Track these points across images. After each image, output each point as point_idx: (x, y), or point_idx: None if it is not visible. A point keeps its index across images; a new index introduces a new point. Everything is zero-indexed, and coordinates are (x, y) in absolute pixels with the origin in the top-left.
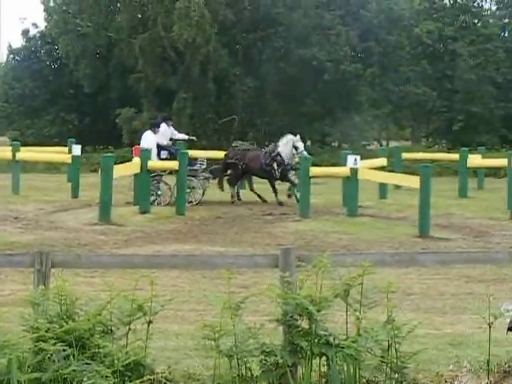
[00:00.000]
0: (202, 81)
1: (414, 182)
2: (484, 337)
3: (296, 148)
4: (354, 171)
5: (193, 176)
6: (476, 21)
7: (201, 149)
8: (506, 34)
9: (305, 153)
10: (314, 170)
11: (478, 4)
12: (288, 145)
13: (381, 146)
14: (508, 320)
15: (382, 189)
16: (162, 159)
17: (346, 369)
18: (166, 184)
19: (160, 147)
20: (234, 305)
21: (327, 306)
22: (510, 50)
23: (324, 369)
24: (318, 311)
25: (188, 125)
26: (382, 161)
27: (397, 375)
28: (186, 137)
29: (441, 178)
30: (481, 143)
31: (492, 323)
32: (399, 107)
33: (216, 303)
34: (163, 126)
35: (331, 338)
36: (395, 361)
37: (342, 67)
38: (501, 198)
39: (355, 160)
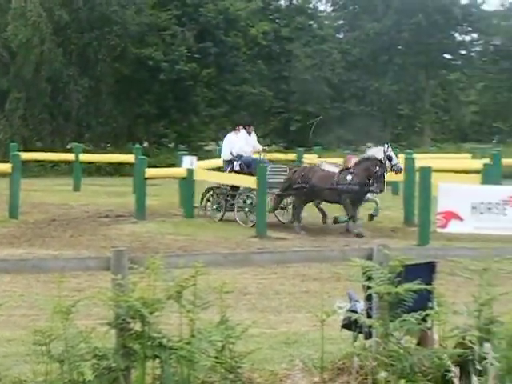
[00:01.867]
0: (35, 81)
1: (251, 182)
2: (319, 334)
3: (390, 159)
4: (190, 172)
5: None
6: (311, 22)
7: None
8: (341, 36)
9: (400, 165)
10: (149, 172)
11: (314, 5)
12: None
13: (218, 146)
14: (341, 317)
15: None
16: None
17: (179, 371)
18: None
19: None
20: (65, 308)
21: (160, 308)
22: (345, 51)
23: (158, 371)
24: (151, 313)
25: (21, 126)
26: (219, 161)
27: (231, 375)
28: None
29: None
30: (317, 143)
31: (324, 321)
32: (236, 107)
33: (47, 307)
34: (243, 131)
35: (164, 340)
36: (229, 361)
37: (177, 67)
38: None
39: (191, 161)
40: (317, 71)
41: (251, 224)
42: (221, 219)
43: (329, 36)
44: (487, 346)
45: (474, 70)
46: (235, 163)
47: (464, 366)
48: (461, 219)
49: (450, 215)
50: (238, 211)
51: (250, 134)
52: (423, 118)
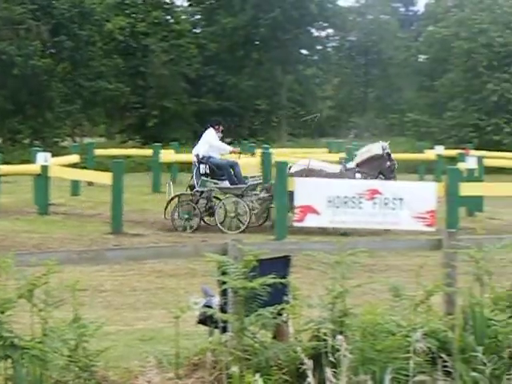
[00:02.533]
0: None
1: (106, 178)
2: (175, 331)
3: (389, 156)
4: (45, 169)
5: (238, 195)
6: (168, 17)
7: None
8: (198, 31)
9: (395, 162)
10: (3, 168)
11: (170, 0)
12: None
13: (74, 142)
14: (197, 313)
15: (75, 186)
16: (203, 175)
17: (32, 370)
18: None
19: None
20: None
21: (11, 307)
22: (202, 46)
23: (10, 371)
24: (2, 313)
25: None
26: (75, 158)
27: (85, 374)
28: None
29: (135, 174)
30: (175, 138)
31: (179, 317)
32: (92, 103)
33: None
34: (211, 131)
35: (16, 340)
36: (83, 359)
37: (31, 62)
38: None
39: (46, 157)
40: (174, 66)
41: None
42: (197, 228)
43: (185, 31)
44: (340, 338)
45: (330, 65)
46: (201, 166)
47: (318, 358)
48: (317, 213)
49: (307, 209)
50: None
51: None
52: (280, 113)
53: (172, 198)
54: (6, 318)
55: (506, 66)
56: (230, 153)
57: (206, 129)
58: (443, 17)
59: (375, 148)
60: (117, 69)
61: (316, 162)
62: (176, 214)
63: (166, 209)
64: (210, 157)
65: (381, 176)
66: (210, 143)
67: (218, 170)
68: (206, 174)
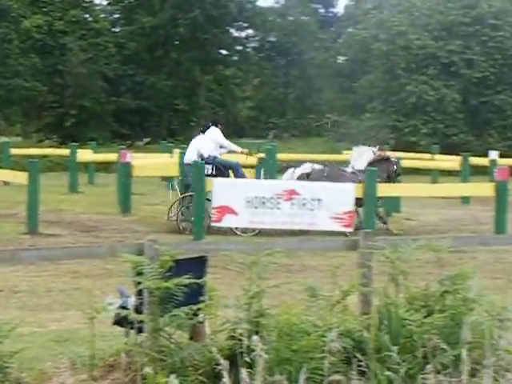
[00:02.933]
0: None
1: (22, 177)
2: (90, 332)
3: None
4: None
5: None
6: (87, 15)
7: None
8: (117, 30)
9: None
10: None
11: None
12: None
13: None
14: (112, 314)
15: None
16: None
17: None
18: None
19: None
20: None
21: None
22: (121, 45)
23: None
24: None
25: None
26: None
27: None
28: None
29: (52, 174)
30: (93, 138)
31: (95, 318)
32: (8, 101)
33: None
34: (216, 130)
35: None
36: None
37: None
38: (111, 192)
39: None
40: (92, 65)
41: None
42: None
43: (104, 30)
44: (255, 338)
45: (249, 65)
46: (207, 166)
47: (234, 358)
48: (235, 214)
49: (225, 210)
50: None
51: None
52: (199, 113)
53: (179, 199)
54: None
55: (424, 68)
56: (240, 153)
57: (206, 127)
58: (362, 19)
59: (367, 151)
60: (34, 67)
61: (318, 166)
62: (180, 215)
63: (169, 210)
64: (215, 157)
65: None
66: (220, 142)
67: (225, 170)
68: (211, 175)
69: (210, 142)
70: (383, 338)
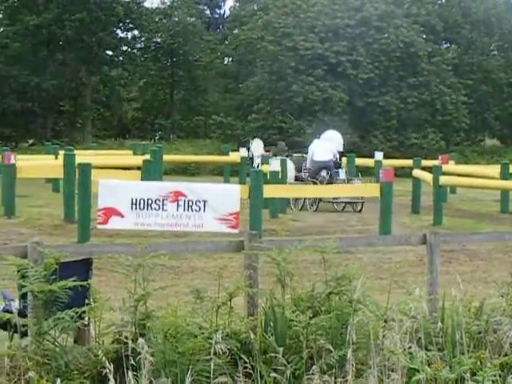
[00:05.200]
0: None
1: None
2: None
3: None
4: None
5: None
6: None
7: None
8: (1, 30)
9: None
10: None
11: None
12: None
13: None
14: None
15: None
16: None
17: None
18: None
19: None
20: None
21: None
22: (4, 46)
23: None
24: None
25: None
26: None
27: None
28: None
29: None
30: None
31: None
32: None
33: None
34: None
35: None
36: None
37: None
38: None
39: None
40: None
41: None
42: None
43: None
44: (141, 340)
45: (135, 66)
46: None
47: (120, 361)
48: (121, 215)
49: (111, 211)
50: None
51: None
52: (85, 114)
53: None
54: None
55: (311, 69)
56: None
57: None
58: (248, 20)
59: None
60: None
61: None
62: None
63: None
64: None
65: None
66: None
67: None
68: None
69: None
70: (269, 339)
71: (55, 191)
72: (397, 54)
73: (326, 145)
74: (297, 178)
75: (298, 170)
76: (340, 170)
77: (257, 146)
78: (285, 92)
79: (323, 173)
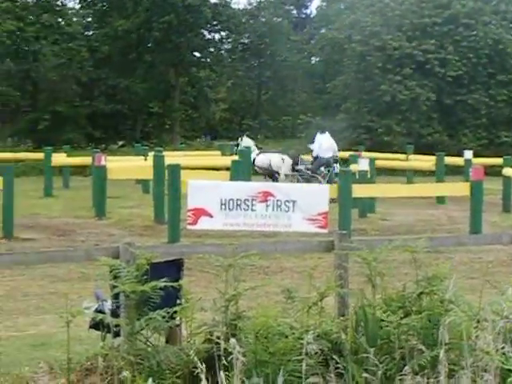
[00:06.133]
0: None
1: None
2: (67, 336)
3: None
4: None
5: None
6: (60, 19)
7: None
8: (90, 33)
9: None
10: None
11: (62, 2)
12: None
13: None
14: (89, 318)
15: None
16: None
17: None
18: None
19: None
20: None
21: None
22: (94, 49)
23: None
24: None
25: None
26: None
27: None
28: None
29: (27, 178)
30: (67, 141)
31: (71, 321)
32: None
33: None
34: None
35: None
36: None
37: None
38: (87, 196)
39: None
40: (65, 69)
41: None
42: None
43: (77, 33)
44: (233, 340)
45: (223, 67)
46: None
47: (211, 361)
48: (211, 216)
49: (200, 212)
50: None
51: None
52: (173, 116)
53: None
54: None
55: (399, 68)
56: None
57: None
58: (335, 19)
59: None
60: (7, 72)
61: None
62: None
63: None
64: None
65: None
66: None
67: None
68: None
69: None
70: (360, 339)
71: (145, 192)
72: (485, 51)
73: (331, 141)
74: (294, 170)
75: (295, 163)
76: (336, 165)
77: (247, 143)
78: (372, 91)
79: (322, 168)
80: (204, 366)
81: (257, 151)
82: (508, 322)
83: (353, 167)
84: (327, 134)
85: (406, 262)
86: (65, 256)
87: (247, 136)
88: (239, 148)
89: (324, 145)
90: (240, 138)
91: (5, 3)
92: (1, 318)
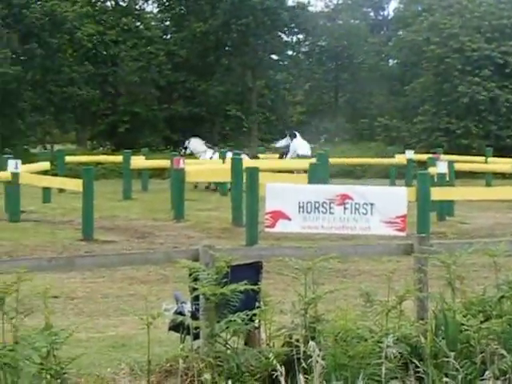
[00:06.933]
0: None
1: (76, 185)
2: (147, 337)
3: None
4: (15, 176)
5: None
6: (138, 23)
7: None
8: (168, 37)
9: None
10: None
11: (140, 6)
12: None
13: (45, 149)
14: (168, 320)
15: (46, 193)
16: None
17: (3, 378)
18: None
19: None
20: None
21: None
22: (172, 53)
23: None
24: None
25: None
26: (45, 165)
27: (57, 381)
28: None
29: (106, 181)
30: (145, 144)
31: (151, 323)
32: (62, 109)
33: None
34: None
35: None
36: (55, 367)
37: (1, 70)
38: (165, 198)
39: (16, 164)
40: (144, 73)
41: None
42: None
43: (155, 37)
44: (312, 344)
45: (300, 70)
46: None
47: (290, 364)
48: (288, 219)
49: (278, 215)
50: None
51: None
52: (251, 119)
53: None
54: None
55: (477, 69)
56: None
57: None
58: (413, 21)
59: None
60: (87, 75)
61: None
62: None
63: None
64: None
65: None
66: None
67: None
68: None
69: None
70: (440, 343)
71: (223, 195)
72: None
73: (305, 142)
74: None
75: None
76: None
77: (197, 144)
78: (451, 93)
79: None
80: (283, 368)
81: (210, 153)
82: None
83: (431, 170)
84: (299, 137)
85: (485, 266)
86: (145, 258)
87: (197, 136)
88: (187, 151)
89: (300, 147)
90: (188, 140)
91: (85, 8)
92: (81, 319)
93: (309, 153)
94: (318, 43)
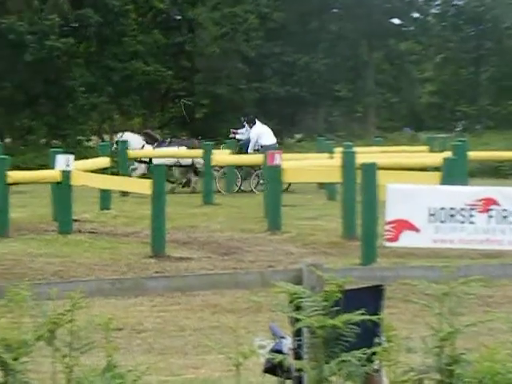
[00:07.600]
0: None
1: (144, 186)
2: (235, 382)
3: None
4: (66, 175)
5: None
6: None
7: None
8: None
9: None
10: (13, 175)
11: None
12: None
13: (102, 141)
14: (263, 359)
15: (104, 197)
16: None
17: None
18: None
19: None
20: None
21: (28, 352)
22: (264, 16)
23: None
24: (15, 359)
25: None
26: (104, 161)
27: None
28: None
29: None
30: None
31: (241, 364)
32: (124, 90)
33: None
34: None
35: None
36: None
37: (47, 42)
38: (257, 203)
39: (67, 160)
40: (228, 43)
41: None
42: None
43: None
44: None
45: (430, 38)
46: None
47: None
48: (416, 230)
49: (402, 225)
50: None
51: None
52: (366, 101)
53: None
54: (21, 366)
55: None
56: None
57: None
58: None
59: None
60: (156, 47)
61: None
62: None
63: None
64: None
65: None
66: None
67: None
68: None
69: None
70: None
71: (331, 199)
72: None
73: (269, 129)
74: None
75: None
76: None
77: (132, 138)
78: None
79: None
80: None
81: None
82: None
83: None
84: (259, 123)
85: None
86: (233, 280)
87: (131, 132)
88: (119, 146)
89: (264, 135)
90: (121, 134)
91: None
92: (151, 358)
93: (274, 142)
94: (452, 2)
